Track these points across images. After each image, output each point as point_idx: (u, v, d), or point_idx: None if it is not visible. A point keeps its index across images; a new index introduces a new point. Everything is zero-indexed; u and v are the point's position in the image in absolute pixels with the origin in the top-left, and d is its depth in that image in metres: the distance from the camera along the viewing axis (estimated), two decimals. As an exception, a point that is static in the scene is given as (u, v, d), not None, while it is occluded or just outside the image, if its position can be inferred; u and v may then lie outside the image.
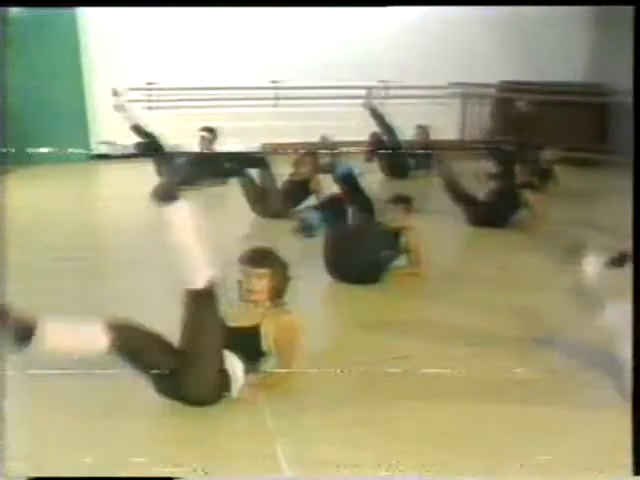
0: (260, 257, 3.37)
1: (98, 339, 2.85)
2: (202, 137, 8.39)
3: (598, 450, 2.77)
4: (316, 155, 7.04)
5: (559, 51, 10.37)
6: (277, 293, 3.36)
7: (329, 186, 6.83)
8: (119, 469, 2.66)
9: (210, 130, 8.42)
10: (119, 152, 8.15)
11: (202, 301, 3.01)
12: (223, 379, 3.10)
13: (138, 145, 8.14)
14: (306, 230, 4.76)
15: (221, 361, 3.07)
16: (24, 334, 2.74)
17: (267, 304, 3.33)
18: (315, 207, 4.89)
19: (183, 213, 2.98)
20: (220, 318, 3.13)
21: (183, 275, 2.98)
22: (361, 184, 5.36)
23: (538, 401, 3.23)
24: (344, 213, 4.96)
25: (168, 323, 3.08)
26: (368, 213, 5.08)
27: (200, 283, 2.95)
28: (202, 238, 2.98)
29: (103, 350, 2.87)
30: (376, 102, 9.08)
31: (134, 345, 2.95)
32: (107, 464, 2.70)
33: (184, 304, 3.04)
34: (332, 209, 4.87)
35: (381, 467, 2.71)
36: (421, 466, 2.71)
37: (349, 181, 5.34)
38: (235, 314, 3.33)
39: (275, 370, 3.32)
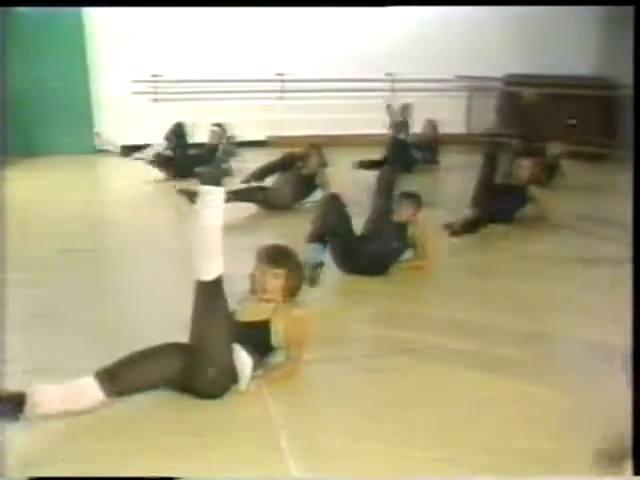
0: (278, 256, 3.35)
1: (91, 393, 2.83)
2: (212, 131, 8.39)
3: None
4: (321, 149, 7.02)
5: (567, 44, 10.32)
6: (291, 292, 3.36)
7: (335, 180, 6.86)
8: (123, 460, 2.66)
9: (220, 125, 8.43)
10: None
11: (212, 292, 3.00)
12: (231, 373, 3.10)
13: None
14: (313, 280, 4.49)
15: (230, 355, 3.06)
16: (15, 409, 2.71)
17: (278, 300, 3.32)
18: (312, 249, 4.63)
19: (218, 204, 2.96)
20: (229, 312, 3.12)
21: (197, 264, 2.97)
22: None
23: (544, 397, 3.21)
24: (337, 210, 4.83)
25: (174, 312, 3.07)
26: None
27: (212, 274, 2.95)
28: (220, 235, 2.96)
29: (100, 402, 2.86)
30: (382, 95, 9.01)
31: (131, 383, 2.93)
32: (111, 455, 2.70)
33: (195, 296, 3.04)
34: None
35: (387, 460, 2.69)
36: (429, 459, 2.70)
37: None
38: (245, 309, 3.33)
39: (282, 363, 3.32)
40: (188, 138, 8.40)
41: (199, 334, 3.05)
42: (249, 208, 6.59)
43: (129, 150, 8.12)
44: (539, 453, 2.74)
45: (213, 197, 2.95)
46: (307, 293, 3.52)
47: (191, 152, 8.39)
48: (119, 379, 2.88)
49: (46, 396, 2.78)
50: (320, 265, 4.54)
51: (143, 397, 3.05)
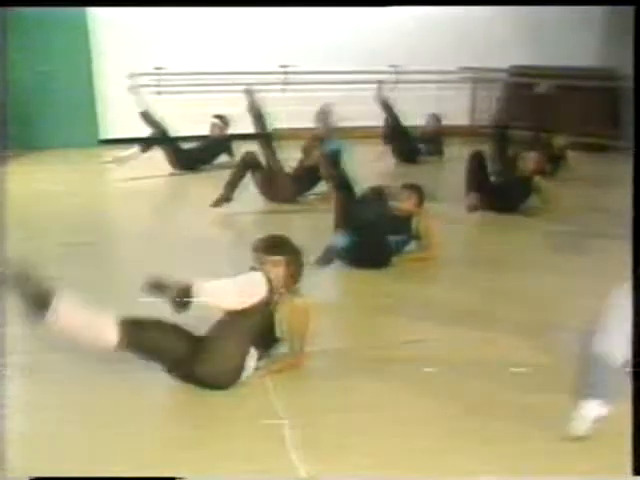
0: (275, 245, 3.38)
1: (108, 334, 2.89)
2: (213, 124, 8.36)
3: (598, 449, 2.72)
4: (324, 140, 7.00)
5: (571, 35, 10.27)
6: (292, 280, 3.36)
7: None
8: (125, 451, 2.67)
9: (221, 117, 8.40)
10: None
11: (239, 320, 3.07)
12: (239, 366, 3.11)
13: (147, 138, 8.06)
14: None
15: (244, 356, 3.10)
16: (40, 303, 2.77)
17: (281, 291, 3.32)
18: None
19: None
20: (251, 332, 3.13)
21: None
22: (344, 164, 5.27)
23: (544, 390, 3.20)
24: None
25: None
26: (347, 191, 5.00)
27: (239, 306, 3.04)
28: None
29: (111, 346, 2.90)
30: (386, 87, 8.99)
31: (145, 341, 2.99)
32: (116, 444, 2.71)
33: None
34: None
35: (390, 452, 2.69)
36: (431, 451, 2.70)
37: (333, 158, 5.33)
38: None
39: (285, 354, 3.33)
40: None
41: (219, 339, 3.09)
42: (254, 201, 6.59)
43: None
44: (545, 446, 2.74)
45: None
46: (309, 284, 3.51)
47: (193, 145, 8.37)
48: (134, 333, 2.93)
49: (70, 311, 2.83)
50: (339, 252, 4.69)
51: (145, 388, 3.07)
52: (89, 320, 2.89)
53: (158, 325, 3.04)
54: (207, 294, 2.95)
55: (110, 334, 2.88)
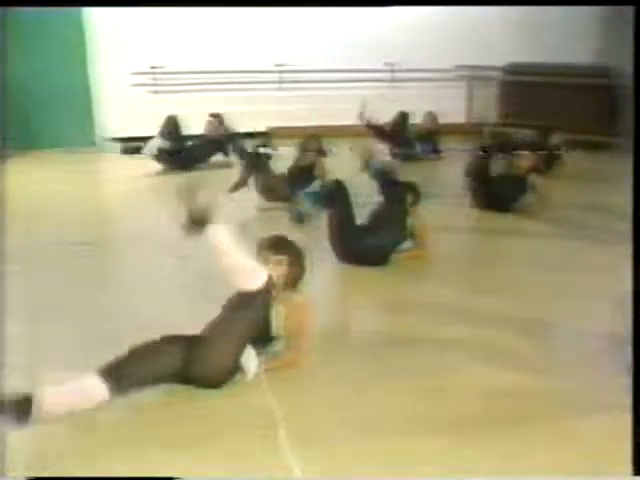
0: (279, 244, 3.40)
1: (98, 392, 2.78)
2: (209, 122, 8.36)
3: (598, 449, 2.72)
4: (320, 139, 7.01)
5: (567, 32, 10.27)
6: (293, 281, 3.37)
7: (332, 170, 6.84)
8: (121, 453, 2.66)
9: (217, 115, 8.39)
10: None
11: (245, 301, 3.06)
12: (234, 366, 3.11)
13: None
14: (297, 219, 4.81)
15: (237, 358, 3.10)
16: (23, 413, 2.64)
17: (280, 289, 3.32)
18: (307, 194, 4.91)
19: (221, 235, 2.99)
20: (254, 324, 3.14)
21: (237, 284, 3.05)
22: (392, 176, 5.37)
23: (544, 389, 3.20)
24: (342, 198, 4.91)
25: (173, 304, 3.07)
26: (400, 201, 5.05)
27: (255, 284, 3.04)
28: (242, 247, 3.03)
29: (106, 400, 2.80)
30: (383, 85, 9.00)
31: (136, 379, 2.89)
32: (109, 448, 2.70)
33: (232, 295, 3.11)
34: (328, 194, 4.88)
35: (388, 451, 2.69)
36: (431, 449, 2.69)
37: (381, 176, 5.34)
38: None
39: (282, 352, 3.32)
40: (182, 130, 8.30)
41: (216, 329, 3.09)
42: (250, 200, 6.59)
43: (130, 147, 8.02)
44: (539, 443, 2.74)
45: (213, 237, 3.00)
46: (308, 283, 3.50)
47: (190, 144, 8.37)
48: (124, 376, 2.84)
49: (51, 397, 2.71)
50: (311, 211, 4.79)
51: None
52: (74, 393, 2.78)
53: (142, 353, 2.94)
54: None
55: (100, 392, 2.77)
